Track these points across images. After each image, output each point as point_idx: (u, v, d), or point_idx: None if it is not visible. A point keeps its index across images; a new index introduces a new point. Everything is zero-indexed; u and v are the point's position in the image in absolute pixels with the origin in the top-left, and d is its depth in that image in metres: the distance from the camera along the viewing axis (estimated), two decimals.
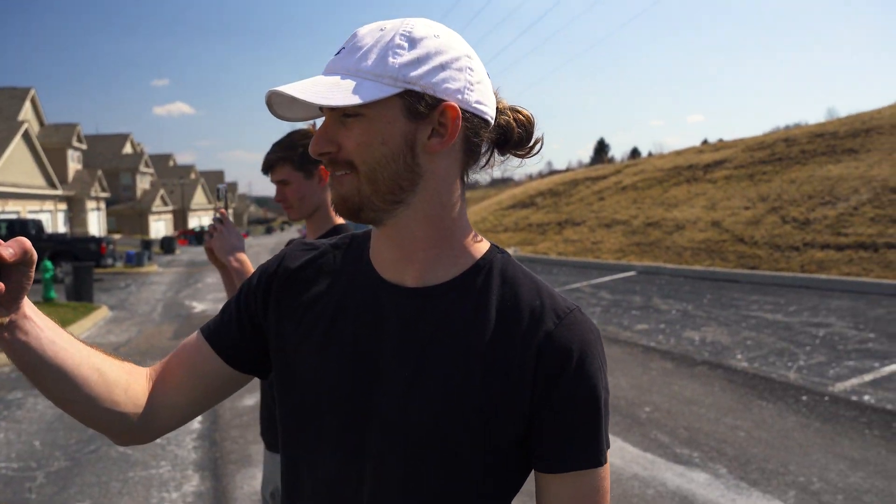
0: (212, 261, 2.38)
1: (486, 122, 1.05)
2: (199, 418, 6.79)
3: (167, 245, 43.04)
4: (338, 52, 1.01)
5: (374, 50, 0.98)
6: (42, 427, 6.71)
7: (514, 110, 1.11)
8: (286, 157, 2.39)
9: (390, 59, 0.97)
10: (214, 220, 2.36)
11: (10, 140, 34.76)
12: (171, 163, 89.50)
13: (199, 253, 41.50)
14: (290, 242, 1.39)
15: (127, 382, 1.10)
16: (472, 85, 1.01)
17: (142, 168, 66.45)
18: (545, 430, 1.00)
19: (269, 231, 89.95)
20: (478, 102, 1.02)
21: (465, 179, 1.09)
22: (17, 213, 35.38)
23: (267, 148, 2.45)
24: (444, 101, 0.99)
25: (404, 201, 1.02)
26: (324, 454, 1.07)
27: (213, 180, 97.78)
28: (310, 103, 0.96)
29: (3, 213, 33.68)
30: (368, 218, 1.04)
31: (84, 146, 51.13)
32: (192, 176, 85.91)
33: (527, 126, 1.11)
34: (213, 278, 23.06)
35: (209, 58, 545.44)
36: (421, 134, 1.00)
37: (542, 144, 1.12)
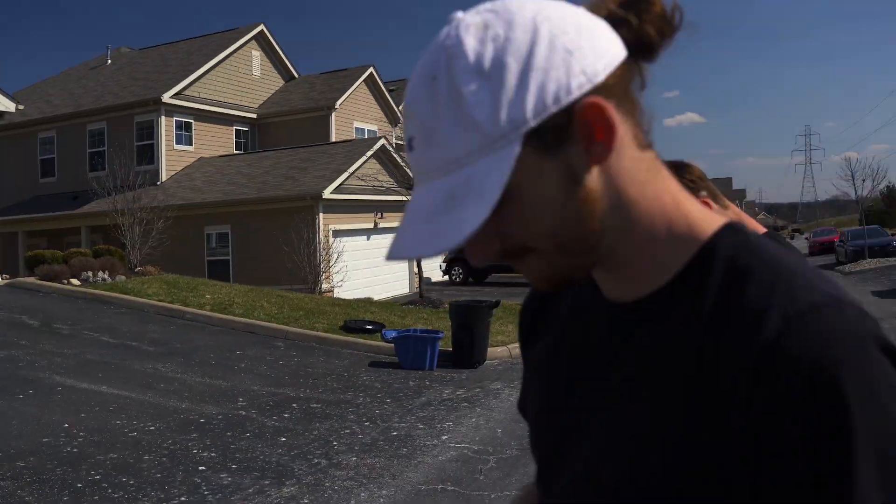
0: None
1: (620, 62, 0.82)
2: None
3: None
4: (409, 146, 0.81)
5: (448, 118, 0.76)
6: (508, 417, 8.11)
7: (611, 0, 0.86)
8: None
9: (477, 116, 0.75)
10: None
11: None
12: None
13: None
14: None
15: None
16: (574, 51, 0.77)
17: None
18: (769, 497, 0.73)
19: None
20: (597, 56, 0.78)
21: (646, 136, 0.86)
22: None
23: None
24: (569, 106, 0.77)
25: (604, 233, 0.83)
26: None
27: (721, 188, 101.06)
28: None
29: None
30: (581, 277, 0.88)
31: None
32: None
33: (637, 1, 0.85)
34: None
35: (719, 67, 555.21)
36: (574, 157, 0.79)
37: (680, 13, 0.84)
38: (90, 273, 16.04)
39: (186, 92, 25.95)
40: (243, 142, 29.13)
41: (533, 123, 0.76)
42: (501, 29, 0.77)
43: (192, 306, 14.28)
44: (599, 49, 0.79)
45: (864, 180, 36.45)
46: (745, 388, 0.73)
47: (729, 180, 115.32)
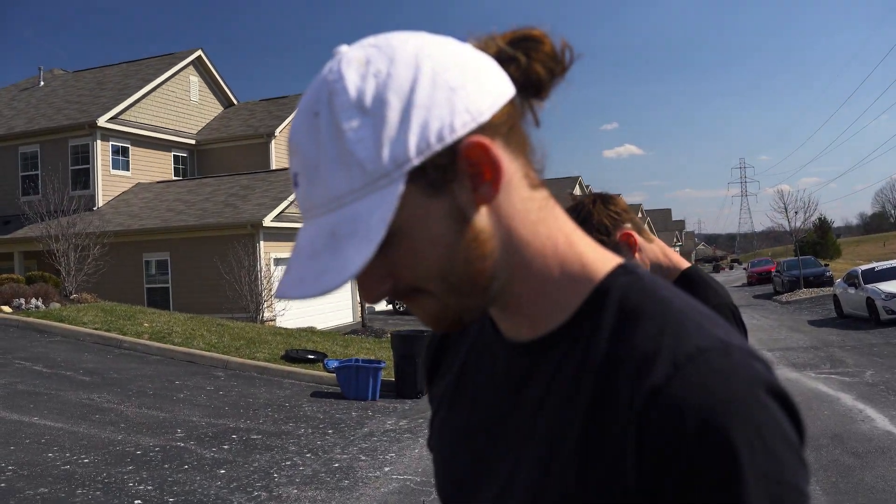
0: None
1: (507, 100, 0.82)
2: None
3: None
4: (294, 183, 0.81)
5: (330, 155, 0.76)
6: None
7: (500, 38, 0.87)
8: None
9: (358, 154, 0.75)
10: None
11: None
12: None
13: None
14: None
15: None
16: (458, 89, 0.77)
17: None
18: None
19: (716, 270, 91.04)
20: (482, 94, 0.79)
21: (538, 177, 0.86)
22: None
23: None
24: (454, 145, 0.77)
25: (495, 274, 0.83)
26: None
27: (660, 219, 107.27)
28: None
29: None
30: (473, 318, 0.86)
31: None
32: (639, 215, 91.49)
33: (526, 40, 0.86)
34: None
35: (657, 99, 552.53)
36: (461, 197, 0.79)
37: (570, 52, 0.86)
38: (22, 300, 15.62)
39: (123, 116, 25.56)
40: (182, 168, 28.78)
41: (416, 162, 0.75)
42: (383, 64, 0.77)
43: (130, 335, 14.00)
44: (485, 87, 0.79)
45: (796, 212, 37.45)
46: (636, 434, 0.73)
47: (668, 211, 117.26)
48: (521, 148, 0.84)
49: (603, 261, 0.87)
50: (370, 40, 0.81)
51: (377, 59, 0.77)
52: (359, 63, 0.77)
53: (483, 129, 0.78)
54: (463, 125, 0.76)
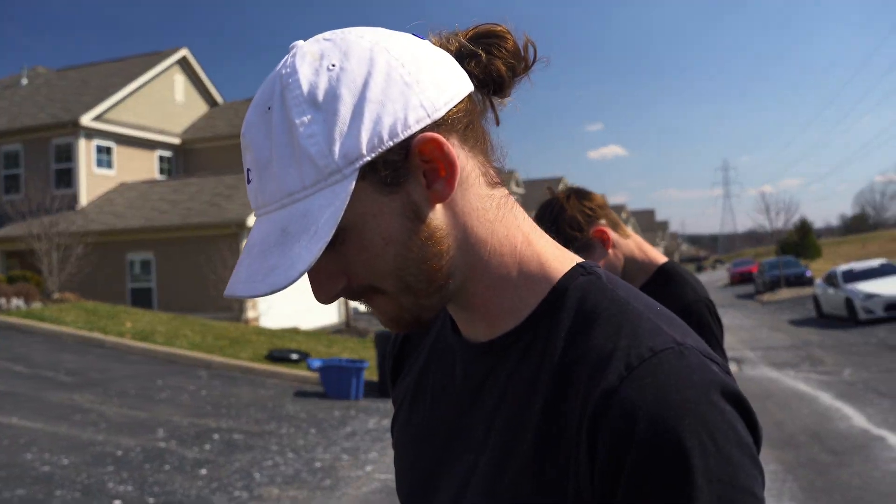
0: None
1: (464, 97, 0.81)
2: None
3: None
4: (247, 179, 0.79)
5: (281, 151, 0.74)
6: None
7: (462, 34, 0.86)
8: None
9: (310, 149, 0.73)
10: None
11: None
12: None
13: None
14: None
15: None
16: (413, 84, 0.76)
17: None
18: None
19: (699, 269, 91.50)
20: (438, 90, 0.78)
21: (497, 175, 0.86)
22: None
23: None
24: (407, 141, 0.76)
25: (452, 272, 0.81)
26: None
27: (644, 219, 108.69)
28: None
29: None
30: (432, 318, 0.84)
31: (522, 190, 52.55)
32: (623, 215, 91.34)
33: (488, 36, 0.85)
34: None
35: (642, 100, 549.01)
36: (416, 194, 0.77)
37: (534, 49, 0.86)
38: (3, 300, 15.49)
39: (107, 115, 25.31)
40: (167, 167, 28.57)
41: (368, 158, 0.74)
42: (337, 59, 0.75)
43: (112, 334, 13.90)
44: (441, 83, 0.78)
45: (777, 213, 37.70)
46: (588, 436, 0.71)
47: (652, 212, 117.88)
48: (479, 145, 0.83)
49: (561, 260, 0.86)
50: (326, 34, 0.80)
51: (331, 54, 0.76)
52: (313, 57, 0.77)
53: (438, 125, 0.77)
54: (417, 121, 0.76)
